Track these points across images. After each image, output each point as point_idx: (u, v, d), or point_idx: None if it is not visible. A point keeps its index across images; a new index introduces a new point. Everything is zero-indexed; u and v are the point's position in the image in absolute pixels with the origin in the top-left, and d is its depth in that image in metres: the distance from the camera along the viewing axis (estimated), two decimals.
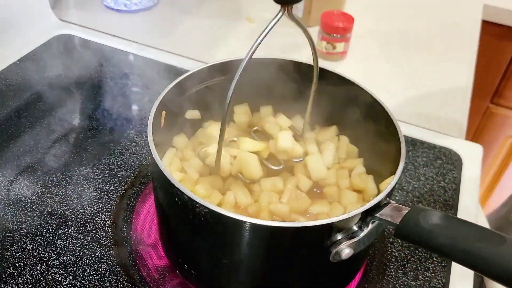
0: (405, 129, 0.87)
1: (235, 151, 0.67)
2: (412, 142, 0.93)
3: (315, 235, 0.51)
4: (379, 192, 0.67)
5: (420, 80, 1.09)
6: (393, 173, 0.59)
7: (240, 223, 0.48)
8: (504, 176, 1.79)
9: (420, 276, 0.72)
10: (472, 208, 0.83)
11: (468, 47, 1.22)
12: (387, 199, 0.53)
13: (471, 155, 0.92)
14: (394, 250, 0.75)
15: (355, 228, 0.51)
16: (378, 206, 0.51)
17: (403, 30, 1.26)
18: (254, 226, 0.48)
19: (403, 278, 0.72)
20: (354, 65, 1.12)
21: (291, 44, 1.14)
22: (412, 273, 0.72)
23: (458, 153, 0.92)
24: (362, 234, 0.51)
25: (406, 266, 0.73)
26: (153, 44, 1.12)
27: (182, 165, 0.68)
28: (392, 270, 0.73)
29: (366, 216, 0.51)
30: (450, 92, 1.07)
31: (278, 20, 0.51)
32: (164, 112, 0.63)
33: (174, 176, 0.57)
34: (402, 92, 1.05)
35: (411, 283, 0.71)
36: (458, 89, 1.08)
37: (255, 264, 0.56)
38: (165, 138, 0.68)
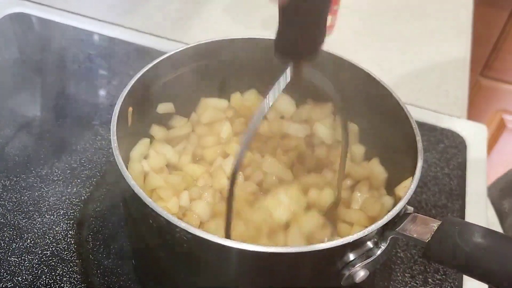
0: None
1: None
2: None
3: (323, 259, 0.41)
4: (388, 183, 0.59)
5: (415, 54, 1.01)
6: (403, 164, 0.51)
7: (233, 250, 0.38)
8: (493, 151, 1.73)
9: (429, 280, 0.65)
10: (481, 197, 0.76)
11: (463, 16, 1.13)
12: (407, 207, 0.43)
13: (475, 136, 0.86)
14: (399, 250, 0.67)
15: (370, 245, 0.42)
16: (398, 217, 0.42)
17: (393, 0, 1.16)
18: (250, 254, 0.38)
19: (412, 283, 0.64)
20: (342, 39, 1.02)
21: (273, 17, 1.03)
22: (420, 276, 0.65)
23: (462, 135, 0.85)
24: (379, 252, 0.42)
25: (414, 268, 0.66)
26: (118, 22, 1.02)
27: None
28: (398, 274, 0.65)
29: (384, 231, 0.42)
30: (447, 66, 0.99)
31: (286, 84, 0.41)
32: (131, 108, 0.54)
33: (153, 181, 0.51)
34: (397, 68, 0.97)
35: (420, 287, 0.63)
36: (455, 62, 1.00)
37: None
38: (133, 138, 0.59)
